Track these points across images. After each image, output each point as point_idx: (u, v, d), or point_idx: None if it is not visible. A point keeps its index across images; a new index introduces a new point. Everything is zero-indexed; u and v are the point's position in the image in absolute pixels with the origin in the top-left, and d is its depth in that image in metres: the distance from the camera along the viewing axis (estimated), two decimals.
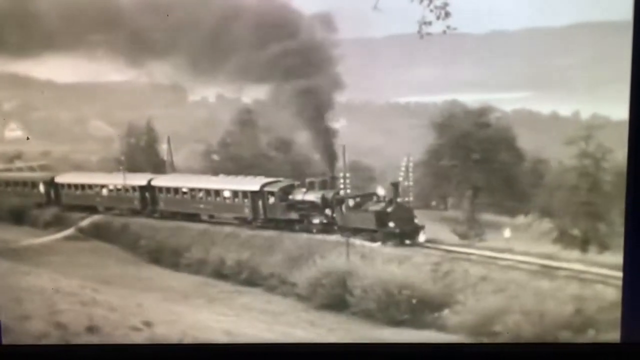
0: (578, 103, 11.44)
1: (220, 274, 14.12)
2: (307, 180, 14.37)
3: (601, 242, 12.16)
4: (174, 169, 15.28)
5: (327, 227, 14.17)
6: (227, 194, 15.17)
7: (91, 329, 12.66)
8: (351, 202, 14.05)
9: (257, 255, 13.96)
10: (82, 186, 16.30)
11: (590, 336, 11.20)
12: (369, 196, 14.02)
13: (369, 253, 13.13)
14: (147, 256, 15.09)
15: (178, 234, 15.09)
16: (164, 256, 14.87)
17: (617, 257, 11.73)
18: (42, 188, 16.36)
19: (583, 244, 12.22)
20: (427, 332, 12.14)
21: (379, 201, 13.97)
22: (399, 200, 13.66)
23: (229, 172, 14.82)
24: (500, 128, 12.22)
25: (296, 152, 14.37)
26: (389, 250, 13.13)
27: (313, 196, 14.45)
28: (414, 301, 12.33)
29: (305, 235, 14.14)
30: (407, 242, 13.35)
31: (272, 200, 14.74)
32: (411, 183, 13.34)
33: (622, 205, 11.75)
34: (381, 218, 13.65)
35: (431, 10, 10.91)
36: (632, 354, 10.62)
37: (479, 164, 12.67)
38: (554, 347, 10.85)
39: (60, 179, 16.27)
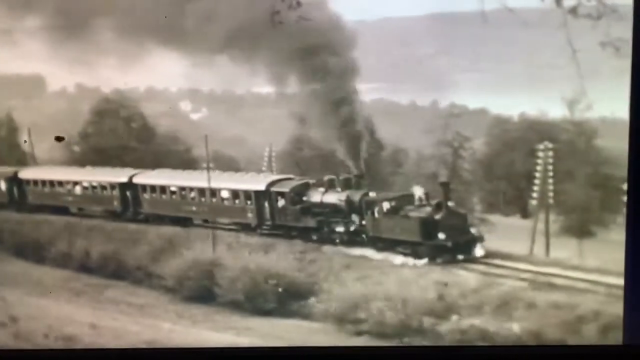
0: (436, 92, 11.04)
1: (85, 267, 13.18)
2: (326, 177, 12.02)
3: None
4: (35, 161, 13.56)
5: (355, 237, 11.92)
6: (225, 194, 12.80)
7: None
8: (386, 206, 11.57)
9: (123, 248, 13.00)
10: (51, 183, 14.03)
11: (454, 321, 10.91)
12: (408, 198, 11.58)
13: (235, 243, 12.45)
14: (11, 250, 13.76)
15: (43, 227, 13.93)
16: (29, 250, 13.69)
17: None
18: (2, 185, 14.10)
19: None
20: (294, 320, 11.74)
21: (421, 205, 11.50)
22: (449, 204, 11.27)
23: (91, 164, 13.40)
24: (360, 117, 11.71)
25: (158, 143, 12.91)
26: (255, 240, 12.51)
27: (335, 197, 11.96)
28: (280, 290, 11.79)
29: (170, 228, 13.21)
30: (461, 257, 11.28)
31: (281, 202, 12.33)
32: (275, 173, 12.68)
33: (481, 192, 11.53)
34: (428, 227, 11.20)
35: (282, 0, 10.31)
36: (635, 355, 10.22)
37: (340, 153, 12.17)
38: (556, 349, 10.40)
39: (25, 174, 14.04)
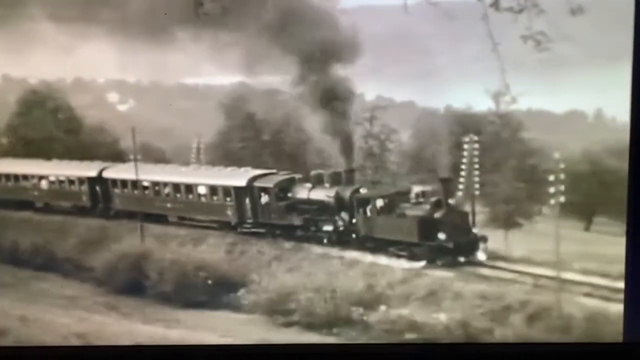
0: (362, 85, 10.89)
1: (15, 259, 12.69)
2: (313, 172, 11.29)
3: None
4: None
5: (344, 237, 11.18)
6: (202, 190, 12.02)
7: None
8: (379, 203, 10.80)
9: (52, 240, 12.64)
10: (16, 177, 13.08)
11: (382, 312, 10.81)
12: (404, 195, 10.89)
13: (163, 236, 12.18)
14: None
15: None
16: None
17: None
18: None
19: None
20: (224, 312, 11.55)
21: (418, 202, 10.78)
22: (450, 201, 10.54)
23: (18, 156, 12.63)
24: (287, 110, 11.51)
25: (85, 134, 12.30)
26: (184, 232, 12.29)
27: (323, 194, 11.18)
28: (209, 282, 11.57)
29: (99, 220, 12.87)
30: (462, 259, 10.57)
31: (265, 199, 11.53)
32: (204, 165, 12.43)
33: (406, 182, 11.44)
34: (427, 227, 10.41)
35: None
36: (635, 353, 10.07)
37: (269, 144, 11.95)
38: (556, 347, 10.13)
39: None
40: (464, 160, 11.07)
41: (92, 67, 11.42)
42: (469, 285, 10.76)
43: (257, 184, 11.62)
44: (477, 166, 11.04)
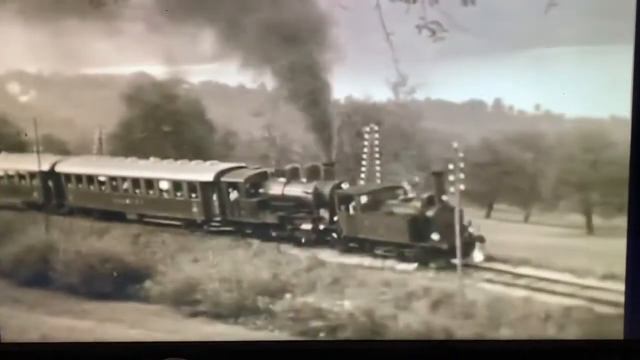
0: (262, 75, 10.78)
1: None
2: (288, 166, 10.59)
3: None
4: None
5: (325, 237, 10.40)
6: (164, 185, 11.28)
7: None
8: (364, 199, 10.09)
9: None
10: None
11: (288, 300, 10.82)
12: (391, 190, 10.30)
13: (67, 227, 11.91)
14: None
15: None
16: None
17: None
18: None
19: None
20: (131, 303, 11.41)
21: (406, 199, 10.17)
22: (444, 198, 9.94)
23: None
24: (189, 100, 11.31)
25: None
26: (87, 224, 12.06)
27: (299, 189, 10.42)
28: (115, 274, 11.42)
29: (4, 212, 12.39)
30: (455, 261, 9.81)
31: (234, 195, 10.82)
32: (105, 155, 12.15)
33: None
34: (418, 226, 9.70)
35: None
36: (636, 350, 9.83)
37: (171, 135, 11.74)
38: (556, 344, 9.89)
39: None
40: (365, 149, 11.03)
41: None
42: (373, 274, 10.76)
43: (225, 178, 10.97)
44: (377, 155, 11.01)
